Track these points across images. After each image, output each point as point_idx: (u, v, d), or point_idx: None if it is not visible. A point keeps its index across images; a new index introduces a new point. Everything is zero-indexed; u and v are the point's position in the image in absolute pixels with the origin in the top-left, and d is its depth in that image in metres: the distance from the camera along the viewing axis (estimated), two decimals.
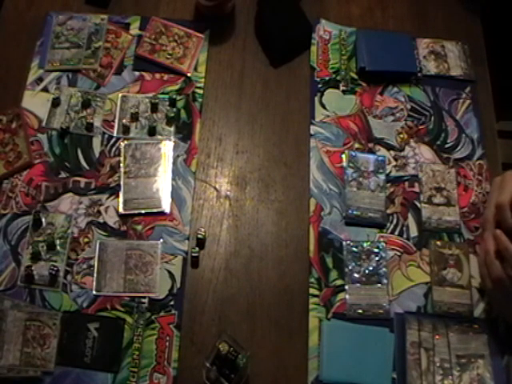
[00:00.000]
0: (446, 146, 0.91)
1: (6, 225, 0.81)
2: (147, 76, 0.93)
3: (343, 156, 0.88)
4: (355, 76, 0.95)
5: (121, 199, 0.83)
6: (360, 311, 0.78)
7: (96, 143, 0.87)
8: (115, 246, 0.80)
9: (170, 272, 0.79)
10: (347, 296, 0.79)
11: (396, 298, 0.80)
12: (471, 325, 0.78)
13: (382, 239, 0.83)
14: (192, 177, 0.86)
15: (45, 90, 0.91)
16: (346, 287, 0.80)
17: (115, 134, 0.88)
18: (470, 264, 0.82)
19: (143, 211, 0.83)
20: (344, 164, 0.88)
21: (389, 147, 0.90)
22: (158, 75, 0.93)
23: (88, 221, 0.82)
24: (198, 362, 0.72)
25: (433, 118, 0.93)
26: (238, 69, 0.95)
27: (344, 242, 0.82)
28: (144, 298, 0.77)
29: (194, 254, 0.79)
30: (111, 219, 0.82)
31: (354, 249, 0.82)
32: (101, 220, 0.82)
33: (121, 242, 0.80)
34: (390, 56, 0.95)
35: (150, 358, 0.74)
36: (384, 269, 0.81)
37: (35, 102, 0.90)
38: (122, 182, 0.84)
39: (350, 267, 0.81)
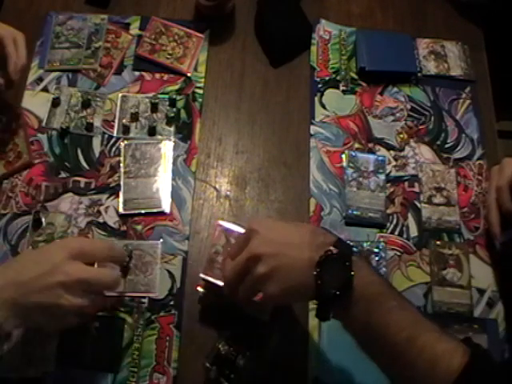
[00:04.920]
0: (446, 146, 0.91)
1: (6, 225, 0.81)
2: (147, 76, 0.93)
3: (343, 156, 0.88)
4: (355, 76, 0.95)
5: (121, 199, 0.83)
6: None
7: (96, 143, 0.87)
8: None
9: (169, 272, 0.79)
10: None
11: None
12: (471, 325, 0.78)
13: (381, 239, 0.83)
14: (192, 177, 0.86)
15: (45, 90, 0.91)
16: None
17: (115, 134, 0.88)
18: (469, 264, 0.82)
19: (143, 211, 0.83)
20: (344, 164, 0.88)
21: (389, 147, 0.90)
22: (157, 75, 0.93)
23: (88, 221, 0.82)
24: (197, 362, 0.72)
25: (433, 118, 0.93)
26: (237, 69, 0.95)
27: None
28: (144, 297, 0.77)
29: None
30: (111, 219, 0.82)
31: (354, 249, 0.81)
32: (101, 220, 0.82)
33: (120, 241, 0.80)
34: (389, 56, 0.95)
35: (149, 358, 0.74)
36: (384, 269, 0.81)
37: (35, 102, 0.90)
38: (121, 182, 0.84)
39: None
